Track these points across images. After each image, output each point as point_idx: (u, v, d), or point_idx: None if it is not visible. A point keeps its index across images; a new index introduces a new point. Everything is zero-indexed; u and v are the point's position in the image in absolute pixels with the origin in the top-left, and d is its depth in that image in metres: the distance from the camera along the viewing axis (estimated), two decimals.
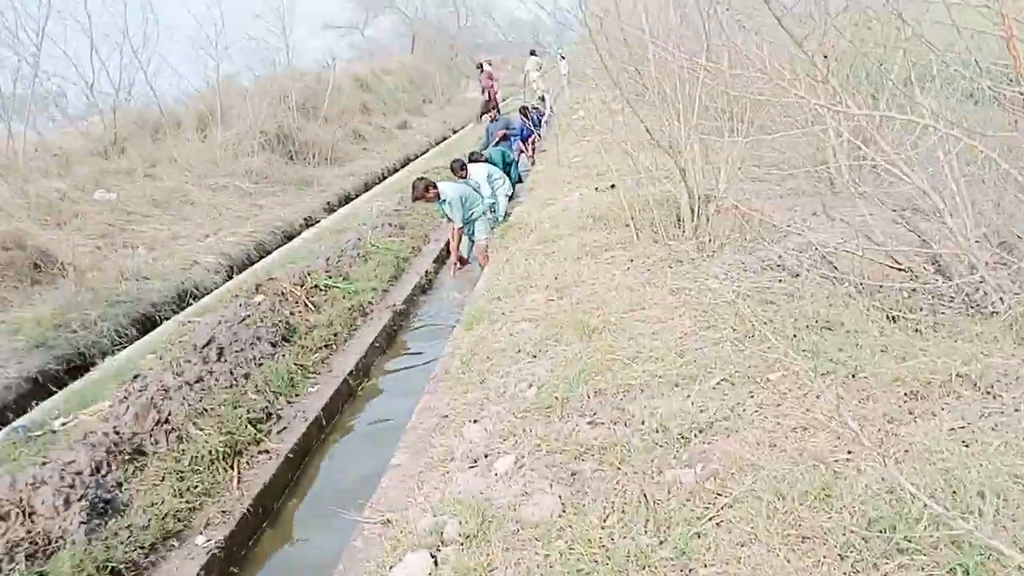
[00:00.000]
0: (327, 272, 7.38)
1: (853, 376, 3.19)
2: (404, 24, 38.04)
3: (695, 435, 3.02)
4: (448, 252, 9.21)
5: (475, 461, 3.16)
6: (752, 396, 3.21)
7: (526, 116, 14.67)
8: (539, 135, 16.47)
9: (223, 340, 5.53)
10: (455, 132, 22.38)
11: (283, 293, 6.47)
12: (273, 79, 17.41)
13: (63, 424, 5.08)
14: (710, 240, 5.41)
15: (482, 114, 20.90)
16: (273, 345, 5.75)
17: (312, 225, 12.18)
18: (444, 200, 7.99)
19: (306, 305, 6.50)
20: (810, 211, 6.46)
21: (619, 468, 2.92)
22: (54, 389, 6.02)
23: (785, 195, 7.16)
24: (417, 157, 18.24)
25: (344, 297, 7.03)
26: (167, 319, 7.99)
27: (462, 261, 8.91)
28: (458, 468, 3.20)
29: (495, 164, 11.36)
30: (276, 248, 10.80)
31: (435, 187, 7.97)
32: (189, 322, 6.95)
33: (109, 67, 13.46)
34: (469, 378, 4.35)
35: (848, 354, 3.35)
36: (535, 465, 2.99)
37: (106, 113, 13.80)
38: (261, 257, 10.46)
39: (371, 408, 5.60)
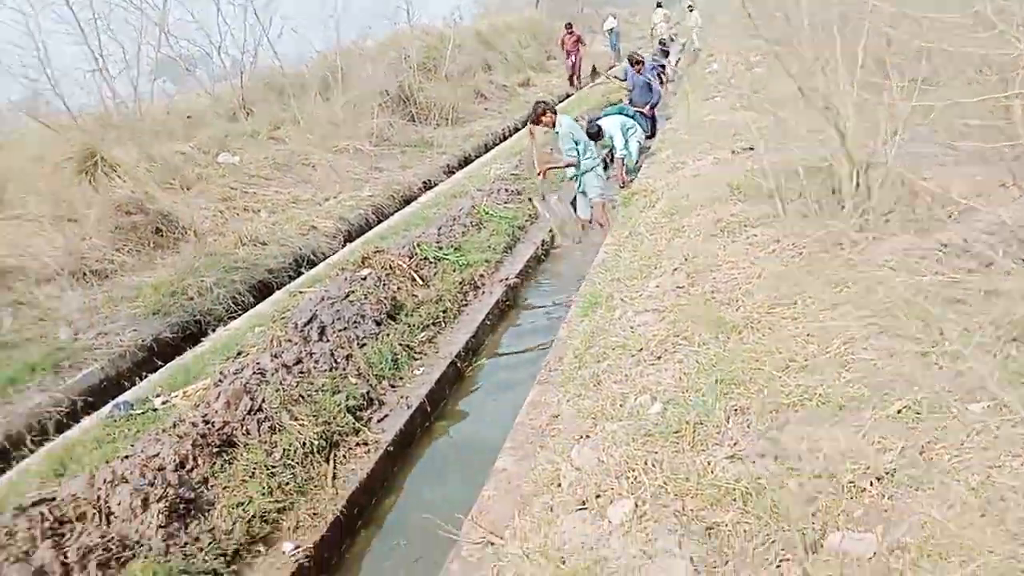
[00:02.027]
0: (438, 243, 6.98)
1: None
2: None
3: (871, 484, 2.35)
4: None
5: (584, 502, 2.62)
6: (948, 434, 2.48)
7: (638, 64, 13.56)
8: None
9: (325, 318, 5.23)
10: (578, 89, 21.48)
11: (391, 266, 6.12)
12: (394, 38, 17.17)
13: (164, 403, 4.96)
14: (873, 217, 4.55)
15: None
16: (378, 323, 5.40)
17: (430, 188, 11.88)
18: (558, 129, 7.60)
19: (414, 279, 6.12)
20: (996, 181, 5.40)
21: (768, 523, 2.30)
22: (159, 364, 5.94)
23: (962, 161, 6.09)
24: None
25: (455, 270, 6.61)
26: (283, 285, 7.90)
27: (582, 224, 8.37)
28: (564, 506, 2.67)
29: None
30: (394, 213, 10.56)
31: (554, 112, 7.56)
32: (300, 292, 6.77)
33: (234, 30, 13.53)
34: (583, 378, 3.79)
35: None
36: (659, 514, 2.41)
37: (233, 76, 13.97)
38: (379, 221, 10.25)
39: (479, 395, 5.17)
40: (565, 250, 8.15)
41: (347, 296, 5.52)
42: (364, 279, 5.81)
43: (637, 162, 9.91)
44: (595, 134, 8.83)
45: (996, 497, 2.17)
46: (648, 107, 11.53)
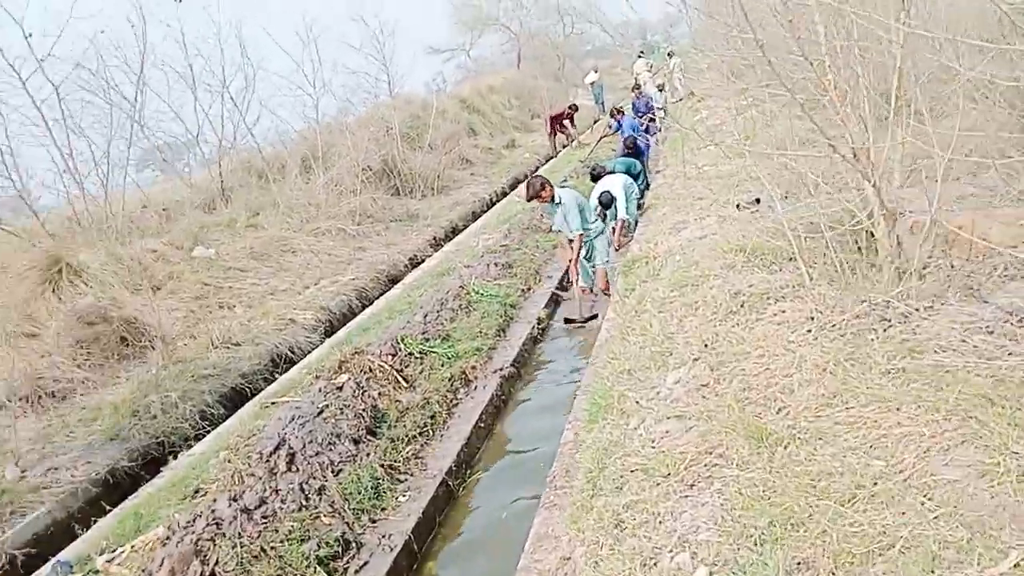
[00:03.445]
0: (424, 333, 6.31)
1: None
2: (509, 40, 37.27)
3: None
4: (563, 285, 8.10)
5: None
6: None
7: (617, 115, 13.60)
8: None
9: (295, 442, 4.52)
10: (564, 147, 21.13)
11: (371, 369, 5.44)
12: (375, 110, 16.83)
13: (108, 561, 4.22)
14: (913, 280, 3.88)
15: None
16: (356, 442, 4.69)
17: (417, 265, 11.31)
18: (558, 202, 7.21)
19: (397, 381, 5.43)
20: None
21: None
22: (114, 501, 5.22)
23: (992, 199, 5.49)
24: (527, 177, 17.12)
25: (443, 364, 5.92)
26: (257, 391, 7.23)
27: (584, 292, 7.85)
28: None
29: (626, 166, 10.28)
30: (378, 296, 9.94)
31: (551, 187, 7.19)
32: (272, 403, 6.08)
33: (211, 116, 13.15)
34: (598, 512, 3.07)
35: None
36: None
37: (212, 163, 13.53)
38: (363, 307, 9.63)
39: (474, 523, 4.42)
40: (564, 325, 7.51)
41: (321, 412, 4.83)
42: (340, 388, 5.12)
43: (636, 220, 9.40)
44: (608, 203, 8.45)
45: None
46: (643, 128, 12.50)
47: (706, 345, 3.98)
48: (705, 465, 2.97)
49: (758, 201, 6.97)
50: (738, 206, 7.00)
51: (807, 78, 4.53)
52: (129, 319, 8.27)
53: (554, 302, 8.01)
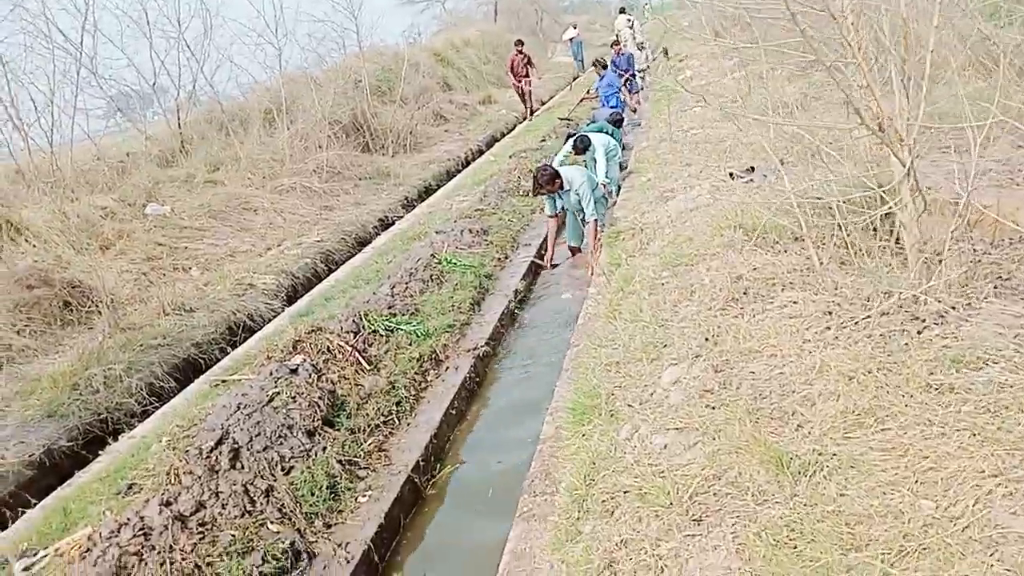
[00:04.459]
0: (391, 308, 5.79)
1: None
2: None
3: None
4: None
5: None
6: None
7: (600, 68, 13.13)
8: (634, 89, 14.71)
9: (240, 436, 4.01)
10: (543, 103, 20.44)
11: (329, 349, 4.92)
12: (344, 61, 15.95)
13: (25, 570, 3.71)
14: (938, 266, 3.43)
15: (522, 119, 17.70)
16: (310, 435, 4.19)
17: (388, 226, 10.71)
18: (569, 189, 6.80)
19: (359, 363, 4.92)
20: None
21: None
22: (50, 485, 4.72)
23: (1018, 174, 5.07)
24: (504, 135, 16.48)
25: (411, 343, 5.42)
26: (213, 362, 6.69)
27: (573, 252, 7.67)
28: None
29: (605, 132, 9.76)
30: (345, 260, 9.36)
31: (559, 176, 6.75)
32: (222, 382, 5.55)
33: (167, 64, 12.26)
34: (587, 546, 2.62)
35: None
36: None
37: (171, 114, 12.67)
38: (329, 271, 9.05)
39: (442, 528, 3.97)
40: (544, 291, 7.05)
41: (271, 400, 4.30)
42: (295, 372, 4.60)
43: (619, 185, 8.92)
44: (583, 148, 7.93)
45: None
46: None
47: (707, 339, 3.51)
48: (714, 495, 2.52)
49: (752, 170, 6.50)
50: (731, 175, 6.51)
51: (827, 39, 4.02)
52: (73, 282, 7.64)
53: (532, 272, 7.51)
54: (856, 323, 3.12)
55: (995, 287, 3.35)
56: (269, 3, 12.17)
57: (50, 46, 10.38)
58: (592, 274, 6.84)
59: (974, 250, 4.02)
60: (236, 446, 3.95)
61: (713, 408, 2.97)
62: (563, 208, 7.22)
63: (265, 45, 13.35)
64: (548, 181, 6.69)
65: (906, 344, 2.84)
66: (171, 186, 10.89)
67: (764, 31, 6.34)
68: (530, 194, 7.79)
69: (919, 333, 2.91)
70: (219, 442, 3.95)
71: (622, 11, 25.24)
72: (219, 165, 12.03)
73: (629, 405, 3.34)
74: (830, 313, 3.28)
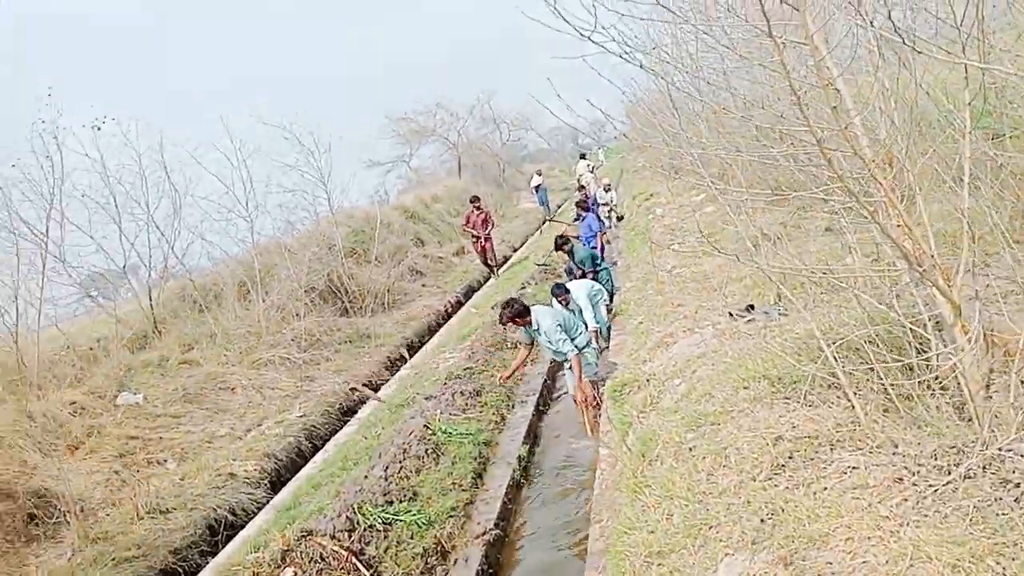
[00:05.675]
0: (386, 495, 5.27)
1: None
2: (448, 149, 37.41)
3: None
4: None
5: None
6: None
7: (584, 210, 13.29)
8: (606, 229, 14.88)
9: None
10: (515, 250, 20.63)
11: (322, 557, 4.36)
12: (316, 227, 15.99)
13: None
14: (1014, 417, 3.08)
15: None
16: None
17: (376, 390, 10.26)
18: (535, 328, 6.47)
19: (357, 570, 4.35)
20: None
21: None
22: None
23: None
24: (480, 285, 16.39)
25: (412, 536, 4.87)
26: (194, 573, 6.06)
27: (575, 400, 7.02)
28: None
29: (584, 264, 9.51)
30: (330, 435, 8.85)
31: (528, 312, 6.44)
32: None
33: (138, 246, 12.09)
34: None
35: None
36: None
37: (142, 295, 12.36)
38: (314, 449, 8.52)
39: None
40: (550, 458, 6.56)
41: None
42: None
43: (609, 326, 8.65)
44: (563, 294, 7.67)
45: None
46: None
47: (762, 520, 3.07)
48: None
49: (752, 308, 6.26)
50: (731, 314, 6.25)
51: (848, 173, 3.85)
52: (39, 491, 7.08)
53: (533, 434, 7.05)
54: (936, 492, 2.72)
55: None
56: (239, 178, 12.24)
57: (14, 238, 10.19)
58: (590, 431, 6.40)
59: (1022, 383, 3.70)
60: None
61: None
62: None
63: (236, 220, 13.21)
64: (515, 315, 6.42)
65: (1009, 518, 2.43)
66: (144, 372, 10.42)
67: (730, 164, 6.32)
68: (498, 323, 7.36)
69: (1016, 501, 2.51)
70: None
71: (582, 156, 26.26)
72: (193, 343, 11.63)
73: None
74: (900, 480, 2.88)
